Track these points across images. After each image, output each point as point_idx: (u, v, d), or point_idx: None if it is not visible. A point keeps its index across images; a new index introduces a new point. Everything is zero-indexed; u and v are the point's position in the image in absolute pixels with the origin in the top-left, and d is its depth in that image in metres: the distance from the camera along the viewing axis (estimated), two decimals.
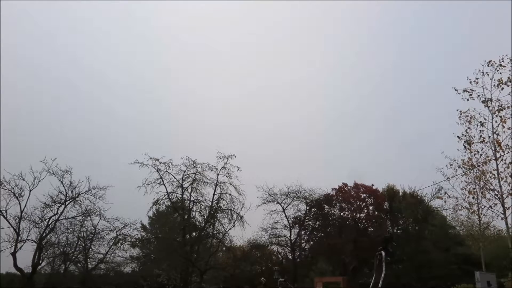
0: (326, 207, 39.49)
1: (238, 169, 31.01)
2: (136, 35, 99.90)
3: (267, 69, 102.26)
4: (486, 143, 19.52)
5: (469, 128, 20.07)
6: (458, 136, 20.43)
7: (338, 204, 39.64)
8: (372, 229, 38.53)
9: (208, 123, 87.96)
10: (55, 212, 28.76)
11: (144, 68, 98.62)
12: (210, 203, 31.64)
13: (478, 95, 19.49)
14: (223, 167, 31.10)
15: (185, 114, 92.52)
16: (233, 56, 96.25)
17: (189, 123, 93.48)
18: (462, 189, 21.82)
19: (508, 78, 18.84)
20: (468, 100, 19.56)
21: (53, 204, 28.69)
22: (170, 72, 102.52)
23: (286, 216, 37.76)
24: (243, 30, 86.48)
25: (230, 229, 32.07)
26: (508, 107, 18.97)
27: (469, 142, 20.12)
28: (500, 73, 19.00)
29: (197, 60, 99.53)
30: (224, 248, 34.71)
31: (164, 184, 30.71)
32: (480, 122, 19.57)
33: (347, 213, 39.36)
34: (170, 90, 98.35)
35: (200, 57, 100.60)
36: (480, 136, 19.67)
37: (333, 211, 39.71)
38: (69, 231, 30.66)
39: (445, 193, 23.68)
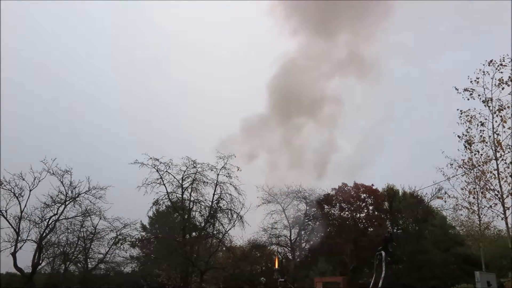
0: (326, 207, 39.50)
1: (238, 169, 31.07)
2: (136, 33, 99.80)
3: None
4: (487, 143, 19.56)
5: (469, 128, 20.11)
6: (458, 136, 20.47)
7: (338, 204, 39.66)
8: (372, 229, 38.51)
9: (208, 122, 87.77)
10: (55, 212, 28.73)
11: (144, 67, 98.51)
12: (210, 203, 31.67)
13: (479, 95, 19.54)
14: (223, 167, 31.13)
15: (185, 114, 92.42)
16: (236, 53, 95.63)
17: (189, 122, 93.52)
18: (462, 189, 21.89)
19: (509, 77, 18.87)
20: (468, 99, 19.60)
21: (53, 204, 28.66)
22: (170, 71, 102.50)
23: (286, 216, 37.83)
24: (244, 28, 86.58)
25: (230, 229, 32.12)
26: (508, 107, 19.00)
27: (469, 142, 20.14)
28: (501, 72, 19.03)
29: (197, 58, 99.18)
30: (224, 248, 34.71)
31: (164, 184, 30.73)
32: (481, 122, 19.60)
33: (347, 213, 39.38)
34: (170, 89, 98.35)
35: (202, 55, 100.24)
36: (481, 136, 19.72)
37: (333, 211, 39.73)
38: (69, 231, 30.63)
39: (445, 193, 23.75)
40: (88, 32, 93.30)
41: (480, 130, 19.65)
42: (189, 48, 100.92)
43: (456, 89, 19.58)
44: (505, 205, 18.87)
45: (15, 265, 26.63)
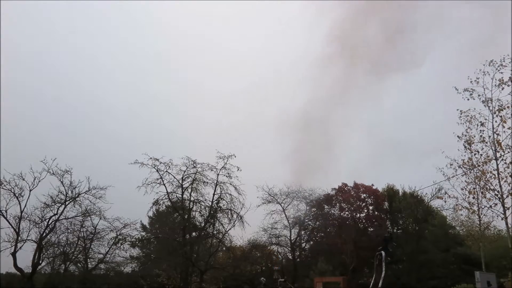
0: (326, 207, 39.49)
1: (238, 169, 31.07)
2: (137, 32, 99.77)
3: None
4: (486, 143, 19.58)
5: (469, 128, 20.14)
6: (458, 136, 20.49)
7: (338, 204, 39.65)
8: (372, 229, 38.51)
9: (208, 122, 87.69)
10: (55, 212, 28.81)
11: (144, 67, 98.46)
12: (210, 203, 31.67)
13: (479, 95, 19.57)
14: (223, 167, 31.13)
15: (185, 112, 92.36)
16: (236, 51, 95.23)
17: (189, 122, 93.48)
18: (462, 189, 21.89)
19: (509, 78, 18.88)
20: (468, 99, 19.63)
21: (53, 204, 28.74)
22: (170, 71, 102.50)
23: (286, 216, 37.84)
24: (246, 26, 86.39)
25: (230, 229, 32.14)
26: (508, 107, 19.02)
27: (469, 142, 20.16)
28: (502, 72, 19.06)
29: (198, 56, 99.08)
30: (224, 248, 34.71)
31: (164, 184, 30.72)
32: (481, 122, 19.63)
33: (347, 213, 39.36)
34: (171, 89, 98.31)
35: (203, 54, 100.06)
36: (480, 136, 19.74)
37: (333, 211, 39.72)
38: (69, 231, 30.70)
39: (445, 193, 23.72)
40: (90, 30, 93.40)
41: (480, 130, 19.70)
42: (189, 47, 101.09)
43: (456, 89, 19.63)
44: (505, 205, 18.90)
45: (15, 265, 26.69)
